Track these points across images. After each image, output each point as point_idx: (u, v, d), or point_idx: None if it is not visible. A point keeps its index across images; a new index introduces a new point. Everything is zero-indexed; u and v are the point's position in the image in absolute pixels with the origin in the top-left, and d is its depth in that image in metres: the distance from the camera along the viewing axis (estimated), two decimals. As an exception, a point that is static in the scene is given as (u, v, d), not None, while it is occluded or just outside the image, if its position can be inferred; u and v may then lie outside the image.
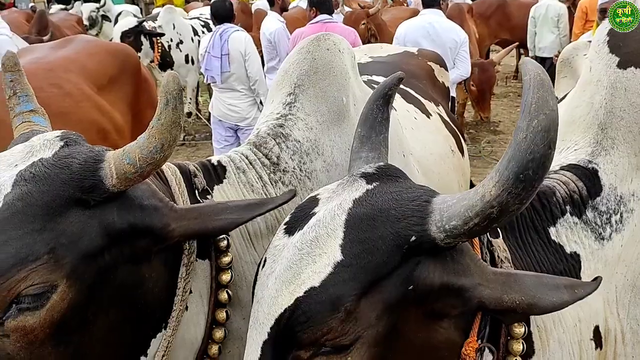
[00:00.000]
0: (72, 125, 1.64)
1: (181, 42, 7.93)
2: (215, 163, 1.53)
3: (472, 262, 1.09)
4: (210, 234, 1.23)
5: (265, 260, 1.15)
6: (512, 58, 11.53)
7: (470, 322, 1.12)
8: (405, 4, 10.61)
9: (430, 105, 2.57)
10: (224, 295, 1.34)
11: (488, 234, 1.24)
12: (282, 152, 1.57)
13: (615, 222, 1.36)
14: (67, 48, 3.31)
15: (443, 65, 3.07)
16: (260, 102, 5.13)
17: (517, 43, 7.43)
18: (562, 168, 1.43)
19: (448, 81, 3.11)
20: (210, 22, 8.29)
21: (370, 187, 1.14)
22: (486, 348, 1.14)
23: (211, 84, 5.42)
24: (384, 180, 1.16)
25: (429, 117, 2.46)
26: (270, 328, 1.06)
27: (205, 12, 8.59)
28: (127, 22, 7.64)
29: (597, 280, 1.09)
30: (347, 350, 1.01)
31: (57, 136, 1.20)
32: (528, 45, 8.33)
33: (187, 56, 7.92)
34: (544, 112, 0.93)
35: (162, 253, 1.23)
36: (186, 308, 1.29)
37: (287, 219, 1.18)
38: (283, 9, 6.81)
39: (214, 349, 1.36)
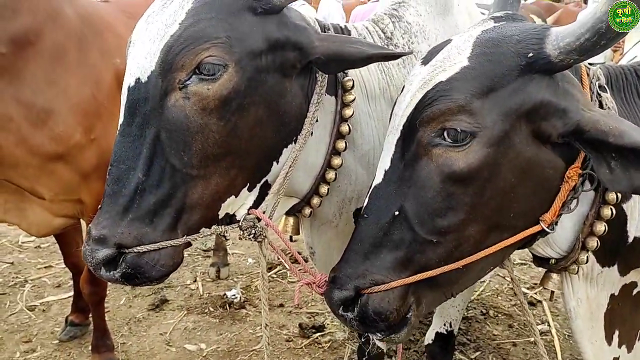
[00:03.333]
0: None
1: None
2: (343, 26, 1.69)
3: (580, 94, 1.23)
4: (344, 57, 1.37)
5: (403, 88, 1.32)
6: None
7: (576, 151, 1.25)
8: None
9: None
10: (345, 127, 1.52)
11: (598, 88, 1.35)
12: (395, 30, 1.73)
13: None
14: None
15: (544, 20, 3.20)
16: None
17: (562, 10, 7.47)
18: None
19: None
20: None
21: (497, 24, 1.30)
22: (588, 176, 1.26)
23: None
24: (510, 20, 1.32)
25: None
26: (403, 126, 1.23)
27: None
28: None
29: None
30: (465, 145, 1.16)
31: None
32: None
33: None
34: None
35: (301, 77, 1.40)
36: (312, 134, 1.45)
37: (423, 56, 1.35)
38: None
39: (331, 174, 1.53)
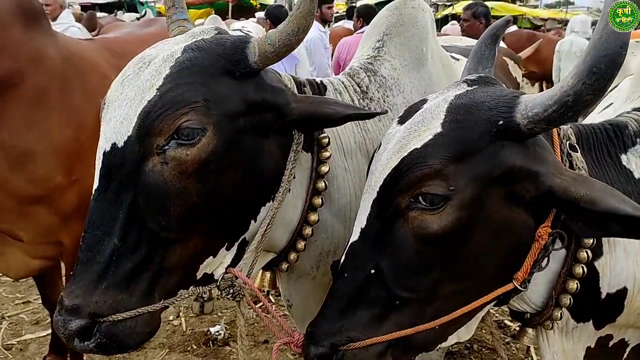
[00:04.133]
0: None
1: (224, 50, 8.19)
2: (319, 82, 1.72)
3: (551, 157, 1.26)
4: (320, 118, 1.40)
5: (380, 145, 1.35)
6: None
7: (545, 214, 1.27)
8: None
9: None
10: (321, 184, 1.53)
11: (569, 147, 1.39)
12: (371, 84, 1.77)
13: None
14: (152, 27, 3.59)
15: (517, 62, 3.29)
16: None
17: (541, 40, 7.73)
18: (634, 109, 1.58)
19: (520, 77, 3.33)
20: (252, 34, 8.63)
21: (470, 88, 1.34)
22: (558, 235, 1.28)
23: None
24: (482, 84, 1.36)
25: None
26: (380, 187, 1.25)
27: (247, 25, 8.91)
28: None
29: None
30: (439, 209, 1.18)
31: (213, 28, 1.44)
32: (553, 78, 8.52)
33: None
34: None
35: (279, 137, 1.42)
36: (289, 190, 1.47)
37: (400, 114, 1.38)
38: (324, 21, 7.09)
39: (308, 230, 1.55)
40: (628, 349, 1.59)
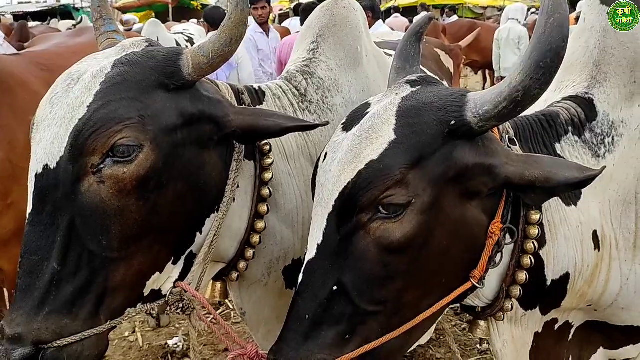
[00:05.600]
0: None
1: (165, 55, 7.98)
2: (257, 88, 1.70)
3: (499, 147, 1.29)
4: (260, 130, 1.39)
5: (325, 154, 1.31)
6: (477, 83, 12.12)
7: (495, 207, 1.30)
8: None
9: (437, 81, 2.86)
10: (265, 191, 1.52)
11: (508, 141, 1.41)
12: (309, 86, 1.76)
13: (608, 143, 1.55)
14: (83, 37, 3.46)
15: (448, 53, 3.36)
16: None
17: (480, 28, 8.05)
18: (563, 99, 1.62)
19: (452, 68, 3.40)
20: (194, 37, 8.49)
21: (414, 89, 1.33)
22: (508, 230, 1.31)
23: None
24: (425, 84, 1.36)
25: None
26: (335, 201, 1.22)
27: (189, 28, 8.76)
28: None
29: (602, 168, 1.25)
30: (400, 216, 1.17)
31: (144, 40, 1.40)
32: (494, 66, 8.78)
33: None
34: (559, 12, 1.12)
35: (219, 147, 1.40)
36: (234, 200, 1.45)
37: (343, 121, 1.35)
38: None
39: (255, 238, 1.53)
40: (572, 330, 1.65)
